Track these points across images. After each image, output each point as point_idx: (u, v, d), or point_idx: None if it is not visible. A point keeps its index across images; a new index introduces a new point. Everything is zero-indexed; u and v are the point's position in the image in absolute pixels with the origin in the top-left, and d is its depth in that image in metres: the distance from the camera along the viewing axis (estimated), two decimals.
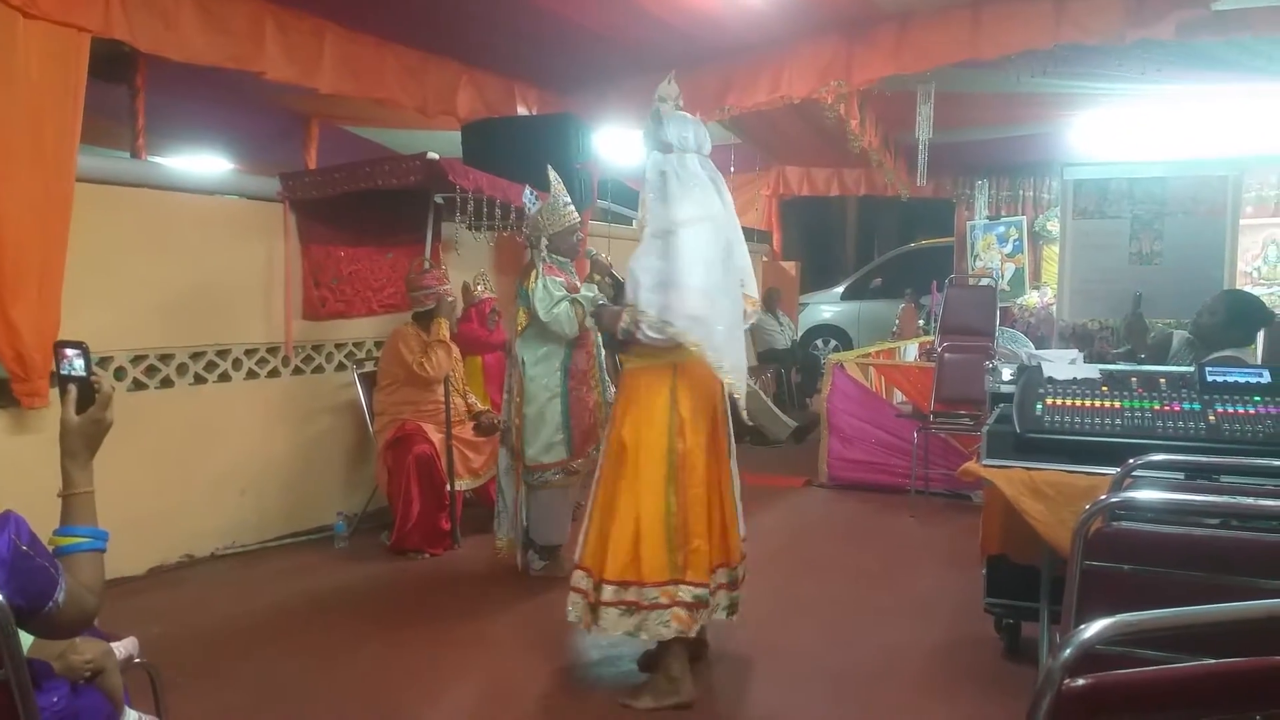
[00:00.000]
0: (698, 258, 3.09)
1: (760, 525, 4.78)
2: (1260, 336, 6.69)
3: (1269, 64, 5.67)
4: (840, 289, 12.99)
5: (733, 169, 9.55)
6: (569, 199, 4.60)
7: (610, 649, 3.68)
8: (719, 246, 3.17)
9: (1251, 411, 2.93)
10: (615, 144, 7.60)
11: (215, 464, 4.87)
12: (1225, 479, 2.58)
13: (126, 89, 5.38)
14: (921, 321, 9.92)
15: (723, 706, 3.22)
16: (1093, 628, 1.18)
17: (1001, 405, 3.32)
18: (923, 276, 9.97)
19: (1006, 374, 3.45)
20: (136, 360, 4.55)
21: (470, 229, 5.45)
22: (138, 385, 4.56)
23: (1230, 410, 2.95)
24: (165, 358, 4.68)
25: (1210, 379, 3.11)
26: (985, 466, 3.07)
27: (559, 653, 3.69)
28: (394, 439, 4.95)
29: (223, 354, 4.94)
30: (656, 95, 3.30)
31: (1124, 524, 2.13)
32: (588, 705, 3.23)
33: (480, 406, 5.43)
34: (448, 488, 4.95)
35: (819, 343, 12.22)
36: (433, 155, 4.72)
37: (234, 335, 4.99)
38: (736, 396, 3.23)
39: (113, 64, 5.17)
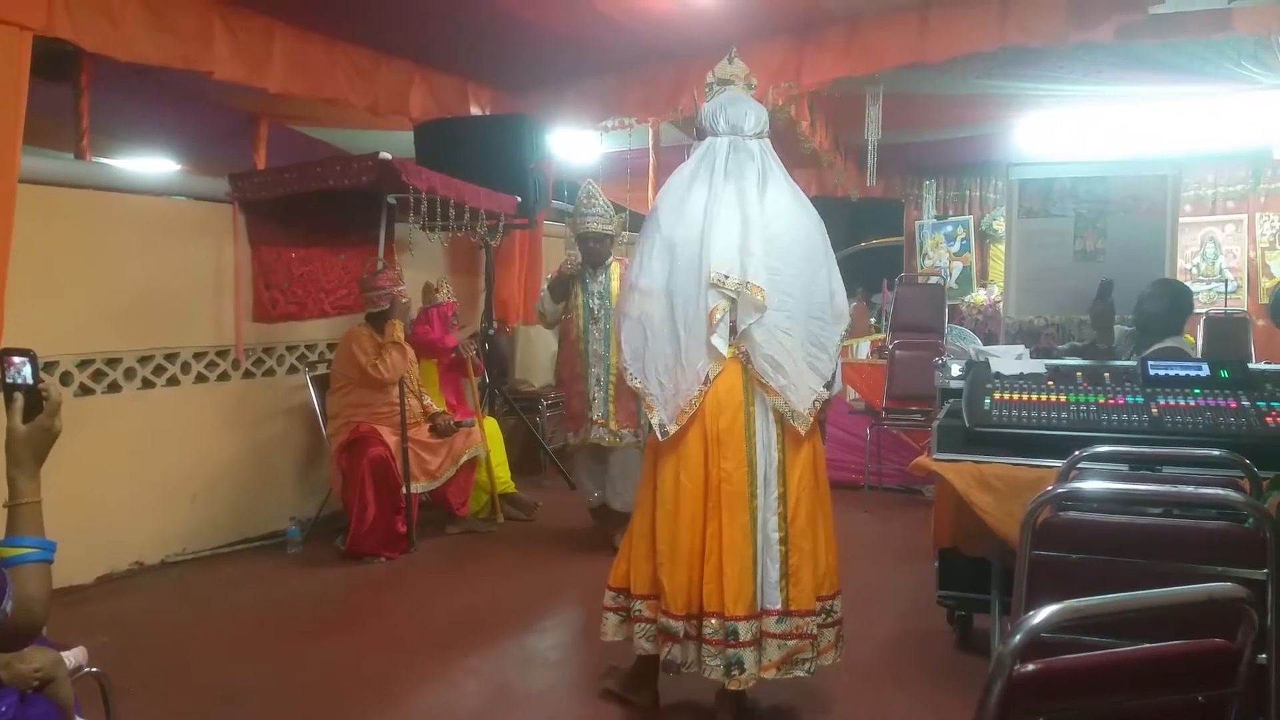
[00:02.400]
0: (633, 276, 2.96)
1: None
2: (1199, 330, 6.90)
3: (1204, 65, 5.83)
4: None
5: None
6: (587, 209, 4.98)
7: (568, 649, 3.69)
8: (665, 257, 2.89)
9: (1192, 404, 3.02)
10: (570, 144, 7.59)
11: (165, 470, 4.79)
12: (1167, 469, 2.66)
13: (70, 88, 5.25)
14: (873, 319, 10.02)
15: (677, 701, 3.24)
16: (1041, 614, 1.21)
17: (951, 401, 3.38)
18: (873, 275, 10.08)
19: (955, 370, 3.51)
20: (83, 365, 4.46)
21: (424, 229, 5.41)
22: (84, 390, 4.47)
23: (1171, 403, 3.04)
24: (112, 362, 4.59)
25: (1152, 373, 3.19)
26: (936, 461, 3.12)
27: (515, 655, 3.69)
28: (348, 442, 4.91)
29: (171, 358, 4.87)
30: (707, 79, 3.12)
31: (1071, 514, 2.19)
32: (543, 706, 3.24)
33: (436, 408, 5.41)
34: (403, 490, 4.92)
35: None
36: (385, 155, 4.68)
37: (183, 339, 4.92)
38: (788, 416, 2.84)
39: (56, 63, 5.05)
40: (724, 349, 2.84)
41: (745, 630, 2.81)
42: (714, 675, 2.85)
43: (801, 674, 2.89)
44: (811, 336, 2.90)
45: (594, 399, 4.94)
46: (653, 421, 2.88)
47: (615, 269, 5.00)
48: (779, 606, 2.85)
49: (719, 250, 2.82)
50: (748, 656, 2.81)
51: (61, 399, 1.70)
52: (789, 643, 2.84)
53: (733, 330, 2.84)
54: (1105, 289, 4.11)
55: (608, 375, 4.92)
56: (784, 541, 2.86)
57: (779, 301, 2.83)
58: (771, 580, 2.85)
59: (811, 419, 2.89)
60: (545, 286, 5.22)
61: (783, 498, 2.87)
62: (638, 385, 2.92)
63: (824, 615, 2.97)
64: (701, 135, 3.03)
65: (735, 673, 2.81)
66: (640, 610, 2.97)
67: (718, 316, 2.82)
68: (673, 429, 2.84)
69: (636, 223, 10.27)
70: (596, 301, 4.99)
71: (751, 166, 2.92)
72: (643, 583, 2.96)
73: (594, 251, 4.98)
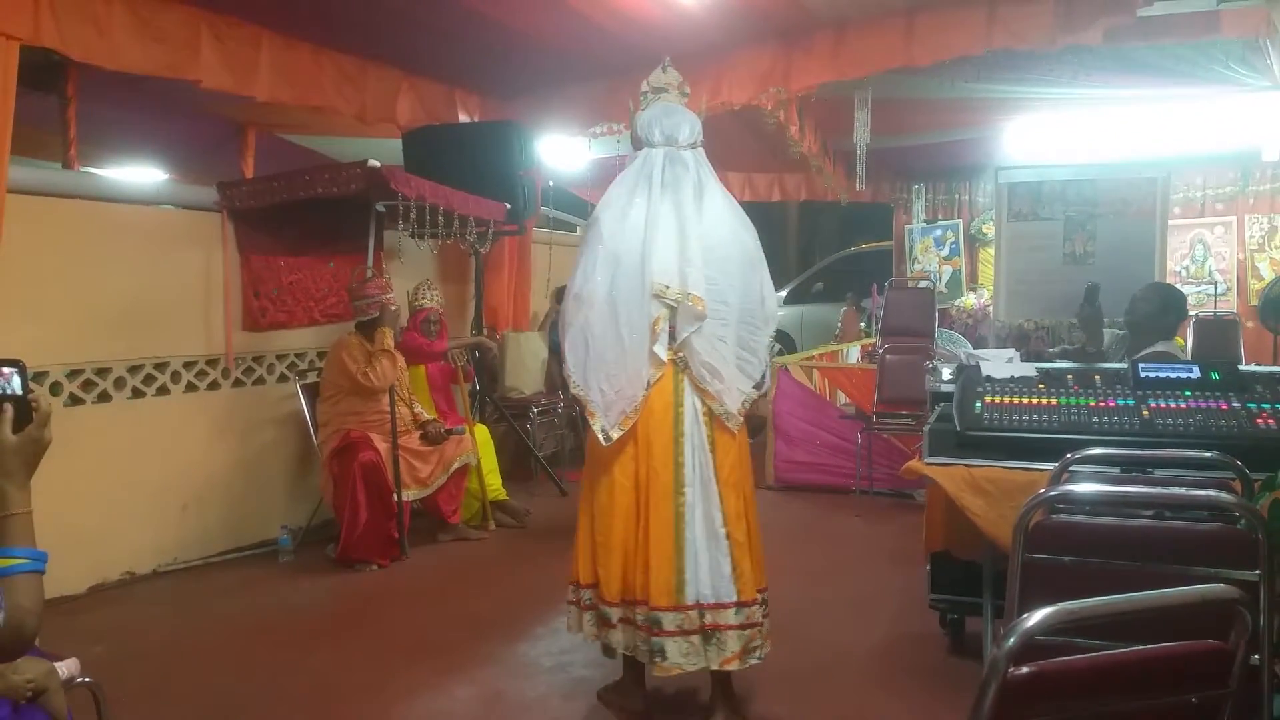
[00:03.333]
0: (577, 285, 3.00)
1: None
2: (1189, 332, 6.92)
3: (1192, 68, 5.86)
4: (784, 293, 13.10)
5: None
6: None
7: (561, 655, 3.68)
8: (609, 268, 2.95)
9: (1182, 406, 3.03)
10: (559, 151, 7.59)
11: (156, 479, 4.77)
12: (1159, 471, 2.66)
13: (57, 98, 5.24)
14: (863, 324, 10.04)
15: (668, 699, 3.24)
16: (1034, 617, 1.21)
17: (942, 404, 3.38)
18: (863, 280, 10.11)
19: (946, 374, 3.51)
20: (73, 375, 4.44)
21: (413, 237, 5.41)
22: (74, 400, 4.45)
23: (1162, 405, 3.05)
24: (102, 372, 4.57)
25: (1143, 375, 3.20)
26: (927, 465, 3.12)
27: (508, 662, 3.68)
28: (339, 448, 4.89)
29: (161, 367, 4.84)
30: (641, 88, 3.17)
31: (1063, 517, 2.19)
32: (537, 713, 3.23)
33: (426, 416, 5.39)
34: (395, 497, 4.90)
35: None
36: (374, 163, 4.68)
37: (172, 348, 4.89)
38: (722, 417, 2.93)
39: (43, 73, 5.04)
40: (665, 356, 2.93)
41: (669, 621, 2.89)
42: (644, 659, 2.96)
43: (755, 661, 2.96)
44: (743, 341, 2.99)
45: None
46: (594, 427, 2.96)
47: None
48: (734, 599, 2.92)
49: (659, 261, 2.90)
50: (669, 645, 2.88)
51: (51, 409, 1.69)
52: (745, 633, 2.93)
53: (672, 336, 2.93)
54: (1092, 293, 4.13)
55: None
56: (729, 536, 2.94)
57: (716, 310, 2.92)
58: (724, 574, 2.92)
59: (742, 417, 2.98)
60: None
61: (721, 495, 2.95)
62: (579, 393, 2.99)
63: (764, 606, 3.03)
64: (637, 145, 3.08)
65: (659, 659, 2.89)
66: (586, 599, 3.08)
67: (660, 326, 2.90)
68: (616, 434, 2.93)
69: None
70: None
71: (687, 178, 2.99)
72: (587, 573, 3.07)
73: None
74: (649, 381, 2.92)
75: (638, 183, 3.01)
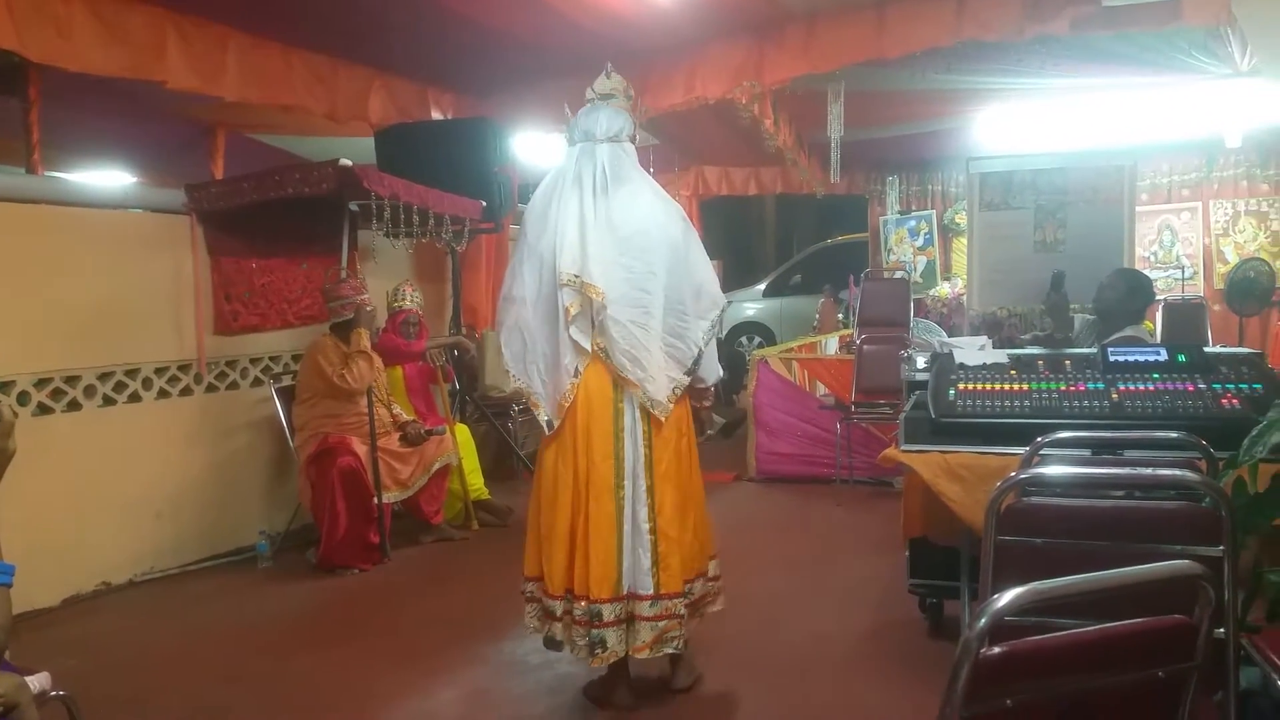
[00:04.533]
0: (505, 286, 3.14)
1: None
2: (1159, 316, 7.01)
3: (1156, 56, 5.92)
4: (762, 286, 13.14)
5: (652, 170, 9.58)
6: None
7: (546, 653, 3.68)
8: (535, 265, 3.07)
9: (1151, 388, 3.07)
10: (533, 147, 7.57)
11: (129, 487, 4.72)
12: (1128, 453, 2.69)
13: (19, 102, 5.18)
14: (840, 315, 10.09)
15: (652, 692, 3.25)
16: (1005, 597, 1.23)
17: (917, 393, 3.41)
18: (840, 271, 10.15)
19: (921, 362, 3.55)
20: (41, 384, 4.39)
21: (388, 236, 5.38)
22: (43, 409, 4.40)
23: (1131, 388, 3.09)
24: (71, 380, 4.52)
25: (1112, 359, 3.24)
26: (904, 452, 3.14)
27: (493, 661, 3.68)
28: (316, 453, 4.86)
29: (132, 373, 4.80)
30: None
31: (1034, 499, 2.22)
32: (522, 711, 3.23)
33: (405, 417, 5.37)
34: (375, 500, 4.88)
35: (744, 339, 12.35)
36: (345, 162, 4.65)
37: (143, 354, 4.85)
38: (648, 405, 3.00)
39: (4, 76, 4.98)
40: (585, 343, 3.01)
41: (608, 612, 2.98)
42: (580, 655, 3.04)
43: (671, 650, 3.07)
44: (670, 329, 3.05)
45: None
46: (540, 418, 3.08)
47: None
48: (651, 592, 3.01)
49: (566, 252, 2.99)
50: (610, 635, 2.98)
51: (15, 419, 1.67)
52: (659, 624, 3.02)
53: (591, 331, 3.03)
54: (1058, 280, 4.24)
55: None
56: (653, 531, 3.02)
57: (635, 298, 3.00)
58: (644, 568, 3.01)
59: (672, 406, 3.05)
60: None
61: (650, 490, 3.03)
62: (522, 385, 3.11)
63: (688, 596, 3.11)
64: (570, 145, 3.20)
65: (599, 651, 2.98)
66: (531, 591, 3.18)
67: (574, 312, 2.98)
68: (556, 422, 3.04)
69: None
70: None
71: (590, 169, 3.07)
72: (534, 566, 3.18)
73: None
74: (576, 370, 3.01)
75: (555, 181, 3.13)
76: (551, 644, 3.15)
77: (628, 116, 3.20)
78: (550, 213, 3.07)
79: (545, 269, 3.04)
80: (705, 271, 3.14)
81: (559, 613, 3.06)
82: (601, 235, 3.00)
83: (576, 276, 2.96)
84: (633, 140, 3.20)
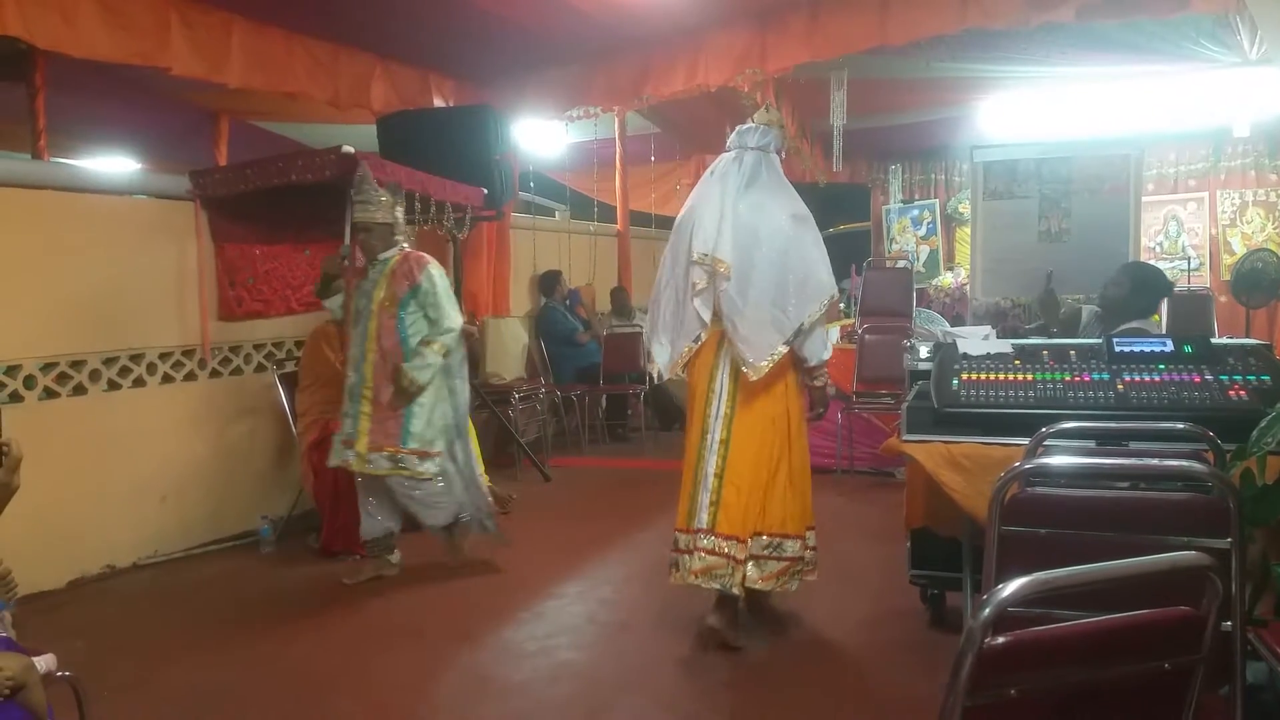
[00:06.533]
0: (662, 266, 3.74)
1: None
2: (1164, 307, 7.00)
3: (1164, 45, 5.90)
4: None
5: (653, 158, 9.58)
6: (357, 195, 4.35)
7: (546, 640, 3.69)
8: (673, 250, 3.69)
9: (1156, 379, 3.06)
10: (535, 135, 7.56)
11: (134, 472, 4.74)
12: (1133, 444, 2.69)
13: (25, 88, 5.17)
14: (842, 305, 10.08)
15: (653, 685, 3.26)
16: (1009, 587, 1.22)
17: (920, 383, 3.40)
18: (841, 260, 10.11)
19: (924, 352, 3.53)
20: (47, 368, 4.39)
21: None
22: (49, 394, 4.40)
23: (1136, 379, 3.08)
24: (77, 364, 4.52)
25: (1118, 349, 3.23)
26: (906, 442, 3.14)
27: (493, 647, 3.69)
28: (319, 439, 4.86)
29: (136, 359, 4.80)
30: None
31: (1038, 490, 2.21)
32: (521, 696, 3.24)
33: None
34: None
35: None
36: (348, 149, 4.63)
37: (147, 339, 4.85)
38: (741, 365, 3.45)
39: (10, 62, 4.98)
40: (706, 314, 3.54)
41: (681, 540, 3.54)
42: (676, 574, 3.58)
43: (718, 586, 3.45)
44: (776, 303, 3.47)
45: (345, 413, 4.38)
46: (650, 371, 3.75)
47: (392, 263, 4.36)
48: (705, 527, 3.47)
49: (700, 235, 3.53)
50: (680, 561, 3.53)
51: (22, 455, 1.66)
52: (708, 558, 3.44)
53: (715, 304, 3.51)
54: (1048, 279, 4.56)
55: (362, 386, 4.32)
56: (718, 476, 3.50)
57: (746, 274, 3.46)
58: (703, 504, 3.50)
59: (764, 368, 3.45)
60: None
61: (725, 442, 3.52)
62: (647, 345, 3.78)
63: (774, 550, 3.53)
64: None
65: (673, 571, 3.55)
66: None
67: (700, 286, 3.52)
68: (668, 374, 3.66)
69: (583, 210, 10.23)
70: (363, 301, 4.37)
71: (735, 170, 3.62)
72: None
73: (364, 244, 4.37)
74: (697, 336, 3.57)
75: (703, 179, 3.77)
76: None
77: (776, 134, 3.73)
78: (695, 204, 3.66)
79: (680, 250, 3.62)
80: (816, 264, 3.57)
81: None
82: (733, 223, 3.50)
83: (706, 255, 3.48)
84: (778, 153, 3.74)
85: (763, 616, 3.78)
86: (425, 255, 4.43)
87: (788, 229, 3.53)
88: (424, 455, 4.31)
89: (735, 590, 3.44)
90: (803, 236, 3.57)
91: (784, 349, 3.46)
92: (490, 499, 4.65)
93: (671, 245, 3.72)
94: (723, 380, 3.54)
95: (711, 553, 3.44)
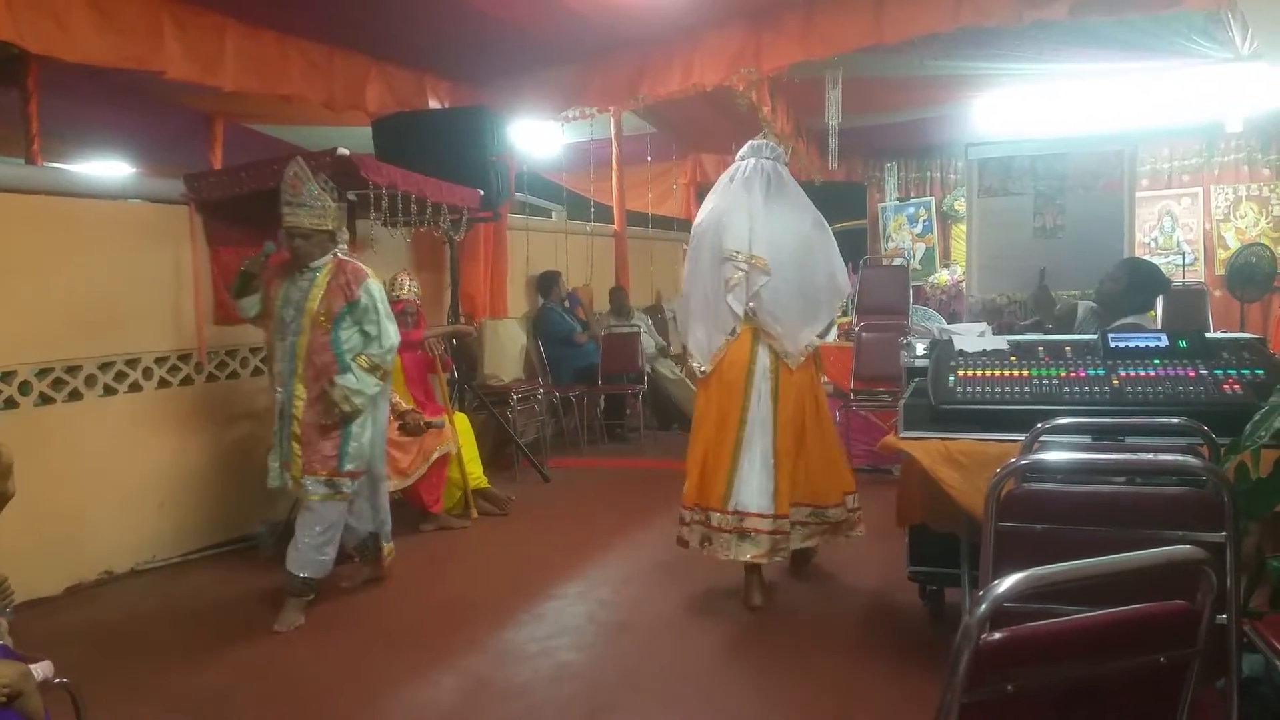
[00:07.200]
0: (685, 270, 4.07)
1: None
2: (1160, 303, 7.01)
3: (1156, 41, 5.91)
4: None
5: (649, 158, 9.59)
6: (293, 197, 4.04)
7: (546, 641, 3.69)
8: (700, 251, 4.00)
9: (1152, 374, 3.06)
10: (531, 136, 7.55)
11: (131, 477, 4.73)
12: (1129, 439, 2.69)
13: (18, 92, 5.16)
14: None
15: (654, 685, 3.26)
16: (1005, 583, 1.23)
17: (917, 380, 3.41)
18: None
19: (920, 349, 3.54)
20: (42, 374, 4.38)
21: (386, 225, 5.37)
22: (45, 399, 4.39)
23: (1132, 374, 3.08)
24: (72, 370, 4.52)
25: (1113, 345, 3.23)
26: (903, 439, 3.13)
27: (493, 649, 3.69)
28: None
29: (132, 363, 4.80)
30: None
31: (1035, 485, 2.21)
32: (521, 699, 3.24)
33: (405, 406, 5.37)
34: None
35: None
36: (343, 151, 4.63)
37: (143, 344, 4.84)
38: (782, 355, 3.86)
39: (2, 67, 4.97)
40: (739, 308, 3.86)
41: (715, 519, 3.86)
42: (701, 547, 3.94)
43: (780, 559, 3.90)
44: (807, 300, 3.91)
45: (276, 432, 4.14)
46: (693, 365, 4.06)
47: (326, 274, 4.05)
48: (771, 511, 3.80)
49: (731, 234, 3.88)
50: (715, 537, 3.87)
51: (13, 461, 1.65)
52: (774, 538, 3.81)
53: (747, 299, 3.84)
54: (1042, 275, 4.79)
55: (291, 405, 4.02)
56: (776, 464, 3.83)
57: (779, 271, 3.83)
58: (767, 491, 3.82)
59: (802, 358, 3.91)
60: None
61: (772, 424, 3.85)
62: (683, 339, 4.11)
63: (818, 517, 3.98)
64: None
65: (706, 546, 3.90)
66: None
67: (733, 282, 3.86)
68: (708, 368, 3.94)
69: (580, 211, 10.20)
70: (291, 311, 4.04)
71: (759, 177, 3.96)
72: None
73: (298, 250, 4.03)
74: (733, 330, 3.88)
75: (722, 184, 4.07)
76: (681, 543, 4.05)
77: (783, 150, 4.24)
78: (712, 205, 4.00)
79: (708, 249, 3.93)
80: (837, 266, 4.06)
81: (688, 520, 3.97)
82: (766, 224, 3.86)
83: (738, 253, 3.83)
84: (784, 163, 4.13)
85: (804, 573, 4.32)
86: (362, 266, 4.14)
87: (812, 234, 3.96)
88: (355, 476, 4.11)
89: (782, 558, 3.91)
90: (826, 241, 4.02)
91: (818, 341, 3.99)
92: (389, 525, 4.46)
93: (694, 248, 4.03)
94: (763, 367, 3.85)
95: (776, 532, 3.80)
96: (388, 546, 4.47)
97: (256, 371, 5.46)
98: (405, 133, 6.05)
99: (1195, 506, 2.04)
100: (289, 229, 4.01)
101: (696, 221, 4.09)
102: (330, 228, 4.07)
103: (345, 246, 4.23)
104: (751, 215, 3.87)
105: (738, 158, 4.11)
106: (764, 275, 3.81)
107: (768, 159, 4.03)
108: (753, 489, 3.81)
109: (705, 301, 3.95)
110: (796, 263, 3.87)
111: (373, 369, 4.06)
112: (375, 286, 4.12)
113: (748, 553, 3.80)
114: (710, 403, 3.94)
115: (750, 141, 4.16)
